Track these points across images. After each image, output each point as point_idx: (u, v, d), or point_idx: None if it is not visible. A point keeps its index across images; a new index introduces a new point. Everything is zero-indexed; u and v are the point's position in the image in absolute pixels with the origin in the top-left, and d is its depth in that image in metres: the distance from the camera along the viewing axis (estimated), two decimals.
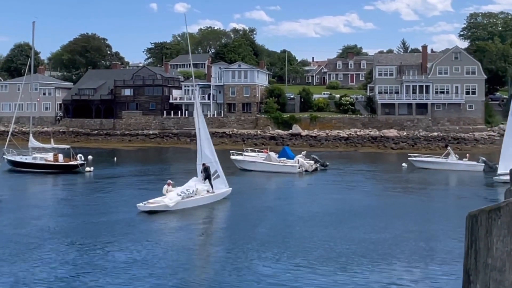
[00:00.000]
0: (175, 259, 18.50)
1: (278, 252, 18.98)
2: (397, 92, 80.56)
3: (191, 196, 28.00)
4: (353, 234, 21.91)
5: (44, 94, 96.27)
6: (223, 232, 23.64)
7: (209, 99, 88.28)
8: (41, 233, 22.51)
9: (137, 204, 26.48)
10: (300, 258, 18.18)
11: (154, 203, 26.52)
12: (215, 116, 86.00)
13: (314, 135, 77.72)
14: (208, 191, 29.71)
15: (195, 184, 28.83)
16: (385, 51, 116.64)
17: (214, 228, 25.51)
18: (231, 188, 31.50)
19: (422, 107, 78.52)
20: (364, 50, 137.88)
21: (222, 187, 30.98)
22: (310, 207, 29.10)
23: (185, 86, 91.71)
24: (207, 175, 30.00)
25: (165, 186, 28.44)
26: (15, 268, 17.39)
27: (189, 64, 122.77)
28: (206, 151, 30.99)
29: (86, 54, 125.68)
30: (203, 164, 30.37)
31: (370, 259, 18.05)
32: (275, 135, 78.92)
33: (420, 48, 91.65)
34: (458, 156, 49.44)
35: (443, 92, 78.56)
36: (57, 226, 24.03)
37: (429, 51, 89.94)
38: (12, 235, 22.14)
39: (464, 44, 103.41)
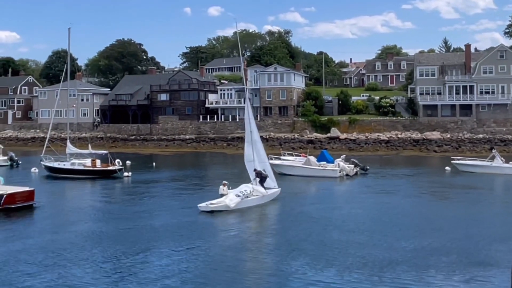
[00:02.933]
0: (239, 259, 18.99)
1: (323, 258, 18.69)
2: (439, 93, 78.24)
3: (248, 197, 29.69)
4: (399, 242, 21.08)
5: (82, 100, 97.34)
6: (277, 235, 23.67)
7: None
8: (100, 238, 22.33)
9: (199, 205, 28.03)
10: (344, 265, 17.77)
11: (216, 203, 28.20)
12: None
13: (353, 138, 75.93)
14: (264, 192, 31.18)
15: (252, 186, 30.70)
16: (426, 50, 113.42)
17: (269, 231, 25.34)
18: (280, 189, 32.79)
19: (466, 108, 75.85)
20: (404, 50, 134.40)
21: (271, 187, 32.32)
22: (358, 213, 28.17)
23: (221, 90, 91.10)
24: (261, 179, 31.56)
25: (221, 187, 30.67)
26: (71, 271, 17.34)
27: (225, 68, 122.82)
28: (258, 153, 32.78)
29: (122, 59, 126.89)
30: (255, 170, 31.73)
31: (413, 267, 17.43)
32: (312, 138, 77.44)
33: (463, 47, 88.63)
34: (504, 159, 47.29)
35: (488, 93, 75.83)
36: (115, 230, 23.90)
37: (472, 50, 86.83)
38: (58, 240, 21.88)
39: (509, 42, 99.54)
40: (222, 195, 29.74)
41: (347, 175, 44.22)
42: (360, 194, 35.59)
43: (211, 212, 27.34)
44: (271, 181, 32.60)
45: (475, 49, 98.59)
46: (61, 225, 25.50)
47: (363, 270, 17.09)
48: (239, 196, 28.91)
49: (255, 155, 32.63)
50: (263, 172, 31.99)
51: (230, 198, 28.42)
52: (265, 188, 31.48)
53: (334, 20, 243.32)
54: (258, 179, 31.56)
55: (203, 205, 27.94)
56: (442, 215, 27.17)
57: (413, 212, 28.17)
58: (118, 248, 20.38)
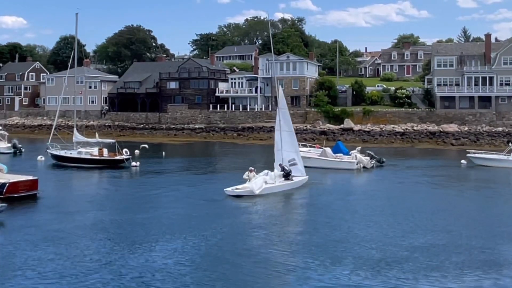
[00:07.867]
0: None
1: (329, 254, 18.20)
2: (457, 84, 75.91)
3: (272, 183, 30.88)
4: (410, 238, 20.41)
5: (90, 87, 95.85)
6: (298, 222, 24.36)
7: (256, 92, 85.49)
8: (108, 228, 21.69)
9: (225, 189, 29.43)
10: (354, 262, 17.13)
11: (241, 188, 29.61)
12: (263, 110, 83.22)
13: (368, 130, 74.03)
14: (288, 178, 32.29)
15: (275, 174, 31.87)
16: (444, 40, 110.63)
17: (288, 220, 25.39)
18: (307, 176, 33.72)
19: (485, 100, 73.60)
20: (421, 40, 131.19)
21: (299, 174, 33.31)
22: (379, 207, 27.10)
23: (231, 79, 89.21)
24: (285, 174, 32.31)
25: (247, 173, 31.47)
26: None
27: (236, 56, 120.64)
28: (287, 143, 33.64)
29: (131, 46, 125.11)
30: (280, 165, 32.68)
31: (423, 265, 16.78)
32: (325, 129, 75.56)
33: (482, 37, 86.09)
34: None
35: (508, 84, 73.47)
36: (138, 219, 23.35)
37: (492, 40, 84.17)
38: (60, 230, 21.02)
39: None
40: (247, 181, 30.80)
41: (364, 167, 42.85)
42: (379, 187, 34.57)
43: (237, 196, 28.53)
44: (299, 168, 33.60)
45: (495, 39, 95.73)
46: (63, 215, 24.49)
47: (373, 267, 16.49)
48: (264, 182, 30.05)
49: (282, 144, 33.51)
50: (286, 167, 32.40)
51: (255, 183, 29.55)
52: (289, 175, 32.30)
53: (347, 8, 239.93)
54: (282, 173, 32.15)
55: (229, 190, 29.39)
56: (454, 211, 26.60)
57: (426, 207, 27.25)
58: (129, 237, 19.71)
